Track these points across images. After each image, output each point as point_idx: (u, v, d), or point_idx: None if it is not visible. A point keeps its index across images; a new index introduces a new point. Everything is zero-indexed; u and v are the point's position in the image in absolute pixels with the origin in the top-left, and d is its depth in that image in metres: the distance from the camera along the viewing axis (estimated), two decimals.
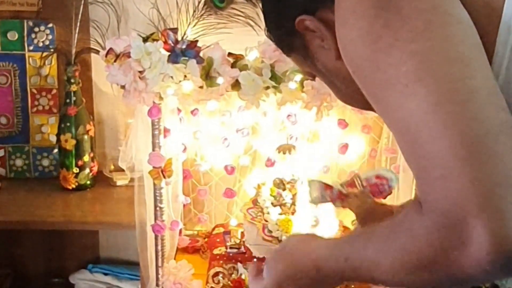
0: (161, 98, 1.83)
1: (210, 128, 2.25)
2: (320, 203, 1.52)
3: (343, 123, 2.17)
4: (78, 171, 2.22)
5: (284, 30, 1.09)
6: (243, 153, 2.29)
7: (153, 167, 1.92)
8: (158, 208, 1.97)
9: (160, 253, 2.01)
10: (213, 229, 2.36)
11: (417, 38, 0.82)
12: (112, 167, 2.33)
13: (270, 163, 2.25)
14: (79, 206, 2.19)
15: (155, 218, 1.98)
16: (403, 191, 2.22)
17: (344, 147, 2.24)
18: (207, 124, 2.24)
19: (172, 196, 2.13)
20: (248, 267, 1.24)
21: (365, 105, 1.15)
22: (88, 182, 2.26)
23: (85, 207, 2.20)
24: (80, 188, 2.24)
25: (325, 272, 0.99)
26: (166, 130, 1.97)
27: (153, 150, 1.92)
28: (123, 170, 2.30)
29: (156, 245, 2.01)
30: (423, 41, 0.82)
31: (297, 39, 1.09)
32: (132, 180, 2.28)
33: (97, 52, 2.18)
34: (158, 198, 1.96)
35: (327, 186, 1.49)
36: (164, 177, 1.94)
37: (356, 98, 1.10)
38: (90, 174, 2.25)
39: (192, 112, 2.18)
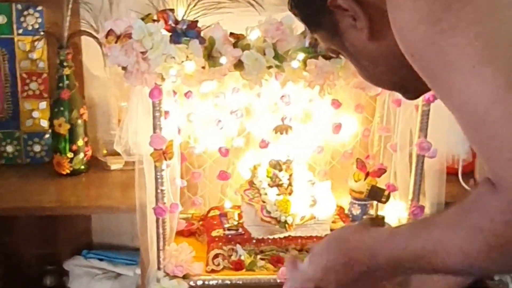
0: (163, 79, 1.81)
1: (204, 110, 2.23)
2: None
3: (336, 103, 2.17)
4: (72, 156, 2.19)
5: (314, 7, 1.08)
6: (237, 135, 2.28)
7: (155, 149, 1.90)
8: (159, 191, 1.95)
9: (161, 236, 2.00)
10: (208, 211, 2.34)
11: (480, 19, 0.81)
12: (105, 151, 2.30)
13: (264, 144, 2.24)
14: (74, 191, 2.17)
15: (156, 201, 1.96)
16: (400, 170, 2.23)
17: (338, 127, 2.23)
18: (200, 106, 2.23)
19: (170, 179, 2.11)
20: (286, 259, 1.22)
21: (390, 86, 1.15)
22: (82, 167, 2.24)
23: (79, 192, 2.18)
24: (74, 173, 2.22)
25: (380, 261, 0.97)
26: (166, 112, 1.95)
27: (154, 132, 1.90)
28: (116, 154, 2.28)
29: (157, 228, 1.99)
30: (487, 22, 0.81)
31: (326, 17, 1.07)
32: (126, 164, 2.27)
33: (90, 35, 2.15)
34: (159, 180, 1.95)
35: None
36: (166, 159, 1.92)
37: (383, 79, 1.10)
38: (84, 158, 2.23)
39: (185, 94, 2.15)
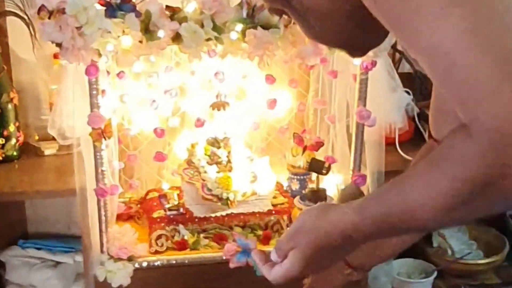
0: (99, 55, 1.76)
1: (137, 91, 2.19)
2: None
3: (270, 79, 2.16)
4: (4, 142, 2.11)
5: None
6: (172, 115, 2.25)
7: (93, 128, 1.85)
8: (100, 171, 1.90)
9: (103, 218, 1.95)
10: (146, 194, 2.30)
11: None
12: (37, 137, 2.23)
13: (199, 123, 2.22)
14: (7, 178, 2.09)
15: (97, 182, 1.91)
16: (338, 142, 2.24)
17: (273, 103, 2.23)
18: (134, 87, 2.18)
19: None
20: (253, 255, 1.18)
21: (337, 43, 1.13)
22: (15, 153, 2.16)
23: (13, 179, 2.11)
24: (6, 159, 2.13)
25: (356, 238, 0.97)
26: (103, 91, 1.90)
27: (92, 111, 1.85)
28: (48, 139, 2.22)
29: (99, 210, 1.94)
30: None
31: None
32: (60, 148, 2.21)
33: (17, 15, 2.07)
34: (99, 161, 1.89)
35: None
36: (105, 138, 1.88)
37: (330, 37, 1.08)
38: (17, 144, 2.15)
39: (118, 75, 2.10)
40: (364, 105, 2.03)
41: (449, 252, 2.47)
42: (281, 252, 1.07)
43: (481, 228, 2.61)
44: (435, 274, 2.38)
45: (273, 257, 1.09)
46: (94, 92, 1.84)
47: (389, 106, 2.14)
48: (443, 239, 2.50)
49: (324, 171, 2.16)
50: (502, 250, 2.46)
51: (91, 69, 1.79)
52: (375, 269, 2.26)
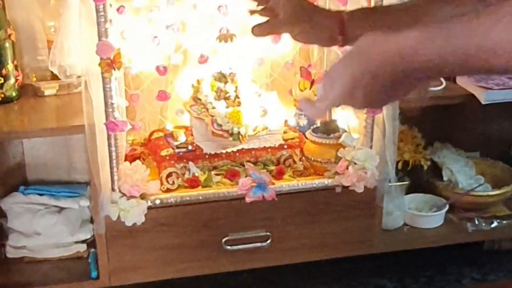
0: None
1: (138, 26, 2.09)
2: None
3: None
4: (2, 81, 2.00)
5: None
6: (174, 52, 2.16)
7: (101, 58, 1.76)
8: (109, 104, 1.81)
9: (114, 154, 1.87)
10: (151, 134, 2.22)
11: None
12: (34, 78, 2.12)
13: (203, 59, 2.14)
14: (6, 119, 1.98)
15: (107, 116, 1.82)
16: None
17: (277, 36, 2.15)
18: (134, 22, 2.09)
19: None
20: (299, 101, 1.08)
21: None
22: (14, 94, 2.05)
23: (13, 120, 2.00)
24: (5, 100, 2.02)
25: (419, 61, 0.85)
26: (109, 21, 1.81)
27: (100, 39, 1.76)
28: (46, 80, 2.12)
29: (109, 145, 1.86)
30: None
31: None
32: (61, 88, 2.11)
33: None
34: (108, 93, 1.81)
35: None
36: (115, 68, 1.79)
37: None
38: (16, 84, 2.04)
39: (118, 9, 2.01)
40: None
41: (460, 185, 2.43)
42: (330, 79, 0.96)
43: (487, 162, 2.58)
44: (447, 207, 2.35)
45: (327, 87, 0.96)
46: (102, 20, 1.75)
47: None
48: (451, 173, 2.47)
49: None
50: (510, 182, 2.44)
51: None
52: (388, 205, 2.23)
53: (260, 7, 1.32)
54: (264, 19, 1.30)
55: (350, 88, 0.92)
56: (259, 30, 1.29)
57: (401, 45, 0.87)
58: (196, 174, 2.04)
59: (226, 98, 2.10)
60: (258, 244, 2.08)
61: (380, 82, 0.90)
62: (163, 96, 2.12)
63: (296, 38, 1.29)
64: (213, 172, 2.06)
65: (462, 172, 2.50)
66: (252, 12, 1.34)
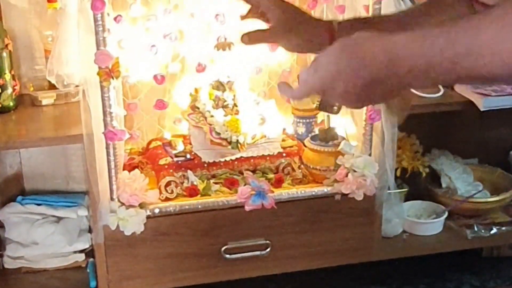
0: None
1: (135, 35, 2.09)
2: None
3: None
4: (0, 91, 1.99)
5: None
6: (171, 61, 2.16)
7: (99, 67, 1.76)
8: (108, 113, 1.81)
9: (113, 163, 1.86)
10: (149, 143, 2.22)
11: None
12: (32, 88, 2.12)
13: (201, 68, 2.14)
14: (4, 129, 1.97)
15: (105, 125, 1.82)
16: None
17: (274, 45, 2.15)
18: (131, 31, 2.09)
19: None
20: (278, 85, 1.09)
21: None
22: (11, 104, 2.04)
23: (10, 130, 1.99)
24: (3, 110, 2.01)
25: (401, 66, 0.87)
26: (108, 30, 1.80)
27: (98, 49, 1.76)
28: (44, 89, 2.12)
29: (108, 154, 1.85)
30: None
31: None
32: (58, 98, 2.10)
33: None
34: (106, 102, 1.80)
35: None
36: (113, 78, 1.78)
37: None
38: (13, 94, 2.03)
39: (115, 19, 2.01)
40: None
41: (458, 192, 2.43)
42: (316, 64, 0.97)
43: (486, 169, 2.58)
44: (446, 214, 2.35)
45: (312, 71, 0.97)
46: (100, 28, 1.75)
47: None
48: (450, 180, 2.46)
49: (335, 110, 2.08)
50: (509, 188, 2.44)
51: (97, 3, 1.70)
52: (387, 212, 2.23)
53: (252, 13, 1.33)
54: (255, 26, 1.31)
55: (332, 78, 0.94)
56: (248, 39, 1.29)
57: (389, 46, 0.89)
58: (195, 183, 2.03)
59: (224, 107, 2.10)
60: (258, 253, 2.07)
61: (361, 81, 0.91)
62: (161, 105, 2.11)
63: (286, 47, 1.31)
64: (212, 181, 2.05)
65: (460, 179, 2.49)
66: (244, 17, 1.35)
